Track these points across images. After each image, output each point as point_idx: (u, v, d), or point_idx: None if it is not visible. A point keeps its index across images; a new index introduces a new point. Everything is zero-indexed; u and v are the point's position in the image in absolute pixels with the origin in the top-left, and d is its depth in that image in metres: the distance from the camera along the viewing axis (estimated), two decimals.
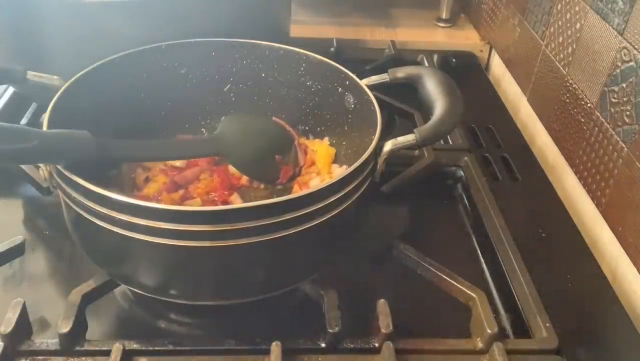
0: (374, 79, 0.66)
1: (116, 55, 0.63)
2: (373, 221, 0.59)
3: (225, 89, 0.72)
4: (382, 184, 0.60)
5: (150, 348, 0.51)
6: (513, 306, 0.59)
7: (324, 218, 0.50)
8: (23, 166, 0.67)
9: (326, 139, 0.70)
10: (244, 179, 0.66)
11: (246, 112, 0.71)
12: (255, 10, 0.76)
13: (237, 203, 0.63)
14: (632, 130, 0.64)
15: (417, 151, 0.73)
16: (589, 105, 0.73)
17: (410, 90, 0.65)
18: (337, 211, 0.51)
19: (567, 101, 0.78)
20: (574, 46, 0.77)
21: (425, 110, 0.63)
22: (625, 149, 0.65)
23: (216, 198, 0.64)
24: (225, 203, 0.63)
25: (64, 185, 0.50)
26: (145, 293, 0.54)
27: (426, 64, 0.99)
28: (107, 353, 0.50)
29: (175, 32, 0.67)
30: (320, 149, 0.69)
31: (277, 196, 0.57)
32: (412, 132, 0.57)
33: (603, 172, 0.69)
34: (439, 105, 0.60)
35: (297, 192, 0.63)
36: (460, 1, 1.20)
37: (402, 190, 0.65)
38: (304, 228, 0.49)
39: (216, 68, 0.70)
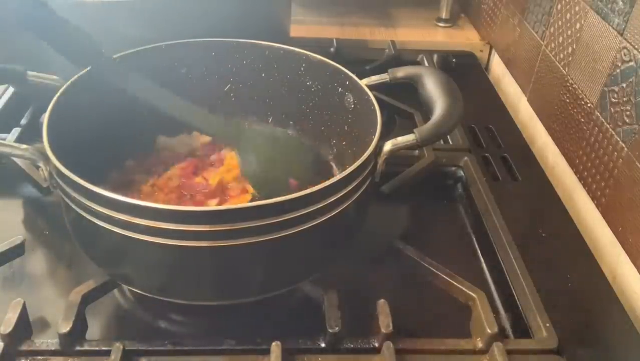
0: (374, 79, 0.66)
1: (116, 55, 0.63)
2: (373, 221, 0.59)
3: (225, 89, 0.72)
4: (382, 184, 0.60)
5: (150, 348, 0.51)
6: (513, 306, 0.59)
7: (324, 218, 0.50)
8: (23, 166, 0.67)
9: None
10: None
11: (247, 113, 0.72)
12: (255, 10, 0.76)
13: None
14: (632, 130, 0.64)
15: (417, 151, 0.73)
16: (589, 105, 0.73)
17: (410, 90, 0.65)
18: (337, 211, 0.51)
19: (567, 101, 0.78)
20: (574, 46, 0.77)
21: (425, 110, 0.63)
22: (625, 149, 0.65)
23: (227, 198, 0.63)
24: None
25: (64, 185, 0.50)
26: (145, 293, 0.54)
27: (426, 64, 0.99)
28: (107, 353, 0.50)
29: (175, 32, 0.67)
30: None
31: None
32: (412, 132, 0.57)
33: (603, 172, 0.69)
34: (439, 105, 0.60)
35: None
36: (460, 1, 1.20)
37: (402, 190, 0.65)
38: (304, 228, 0.49)
39: (216, 68, 0.70)
